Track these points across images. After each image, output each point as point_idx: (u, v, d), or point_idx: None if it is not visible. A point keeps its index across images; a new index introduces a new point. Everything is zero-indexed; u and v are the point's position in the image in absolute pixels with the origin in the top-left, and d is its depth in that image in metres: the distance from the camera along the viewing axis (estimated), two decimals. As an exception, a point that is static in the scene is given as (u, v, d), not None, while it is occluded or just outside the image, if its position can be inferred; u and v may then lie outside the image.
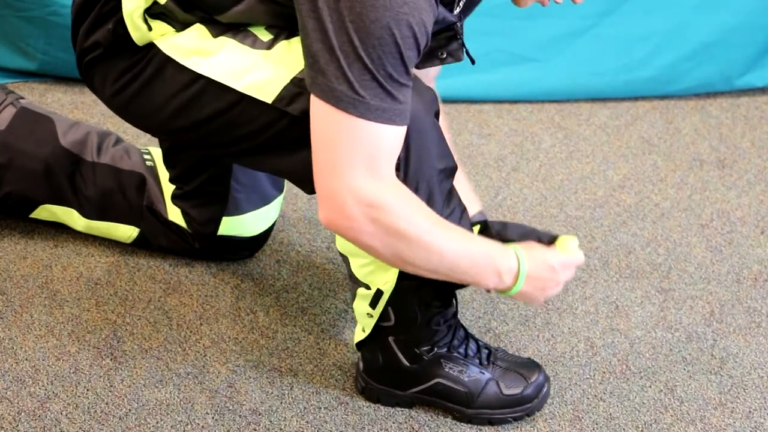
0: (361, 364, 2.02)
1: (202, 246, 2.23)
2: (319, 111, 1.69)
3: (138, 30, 1.89)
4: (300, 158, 1.80)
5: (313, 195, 2.27)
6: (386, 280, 1.88)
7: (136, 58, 1.92)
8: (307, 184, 1.83)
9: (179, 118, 1.90)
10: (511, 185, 2.55)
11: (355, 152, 1.69)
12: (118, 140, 2.29)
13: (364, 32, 1.63)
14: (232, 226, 2.20)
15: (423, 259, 1.77)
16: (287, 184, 2.29)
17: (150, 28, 1.88)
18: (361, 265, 1.89)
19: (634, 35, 2.86)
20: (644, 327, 2.21)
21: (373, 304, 1.92)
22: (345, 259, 1.91)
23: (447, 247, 1.77)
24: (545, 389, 2.01)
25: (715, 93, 2.93)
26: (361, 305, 1.94)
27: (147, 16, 1.88)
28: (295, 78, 1.78)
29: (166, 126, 1.94)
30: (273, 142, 1.83)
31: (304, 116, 1.75)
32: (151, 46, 1.90)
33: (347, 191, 1.70)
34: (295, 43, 1.79)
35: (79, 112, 2.65)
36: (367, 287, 1.91)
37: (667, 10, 2.86)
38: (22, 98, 2.29)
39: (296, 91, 1.77)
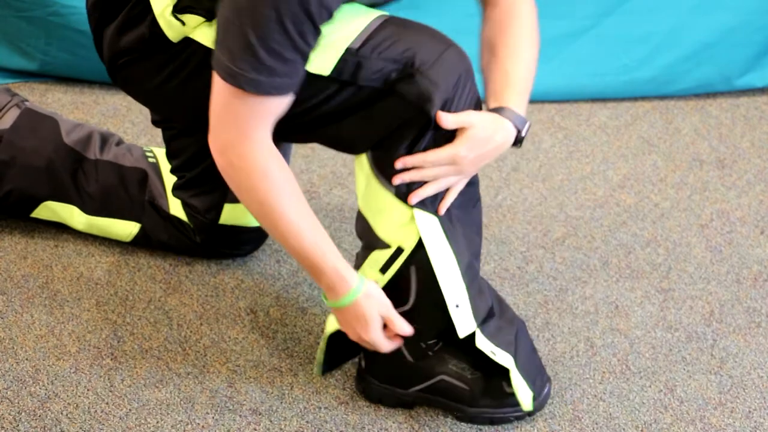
0: (362, 362, 2.02)
1: (204, 239, 2.22)
2: (215, 78, 1.81)
3: (171, 27, 1.91)
4: (346, 125, 1.86)
5: (314, 193, 2.28)
6: (409, 238, 1.90)
7: (174, 54, 1.95)
8: (354, 149, 1.89)
9: None
10: (511, 185, 2.55)
11: (233, 117, 1.80)
12: (121, 141, 2.29)
13: (250, 9, 1.71)
14: (234, 214, 2.20)
15: (270, 228, 1.87)
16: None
17: (183, 23, 1.90)
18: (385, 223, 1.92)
19: (634, 35, 2.86)
20: (644, 327, 2.21)
21: (386, 267, 1.92)
22: (363, 220, 1.95)
23: (290, 239, 1.85)
24: (546, 389, 2.01)
25: (715, 93, 2.93)
26: (370, 272, 1.95)
27: (175, 14, 1.90)
28: (351, 47, 1.82)
29: None
30: (326, 114, 1.88)
31: (353, 82, 1.83)
32: (187, 40, 1.92)
33: (223, 145, 1.82)
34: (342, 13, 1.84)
35: (79, 113, 2.65)
36: (386, 246, 1.92)
37: (667, 10, 2.86)
38: (26, 101, 2.29)
39: (355, 60, 1.82)
